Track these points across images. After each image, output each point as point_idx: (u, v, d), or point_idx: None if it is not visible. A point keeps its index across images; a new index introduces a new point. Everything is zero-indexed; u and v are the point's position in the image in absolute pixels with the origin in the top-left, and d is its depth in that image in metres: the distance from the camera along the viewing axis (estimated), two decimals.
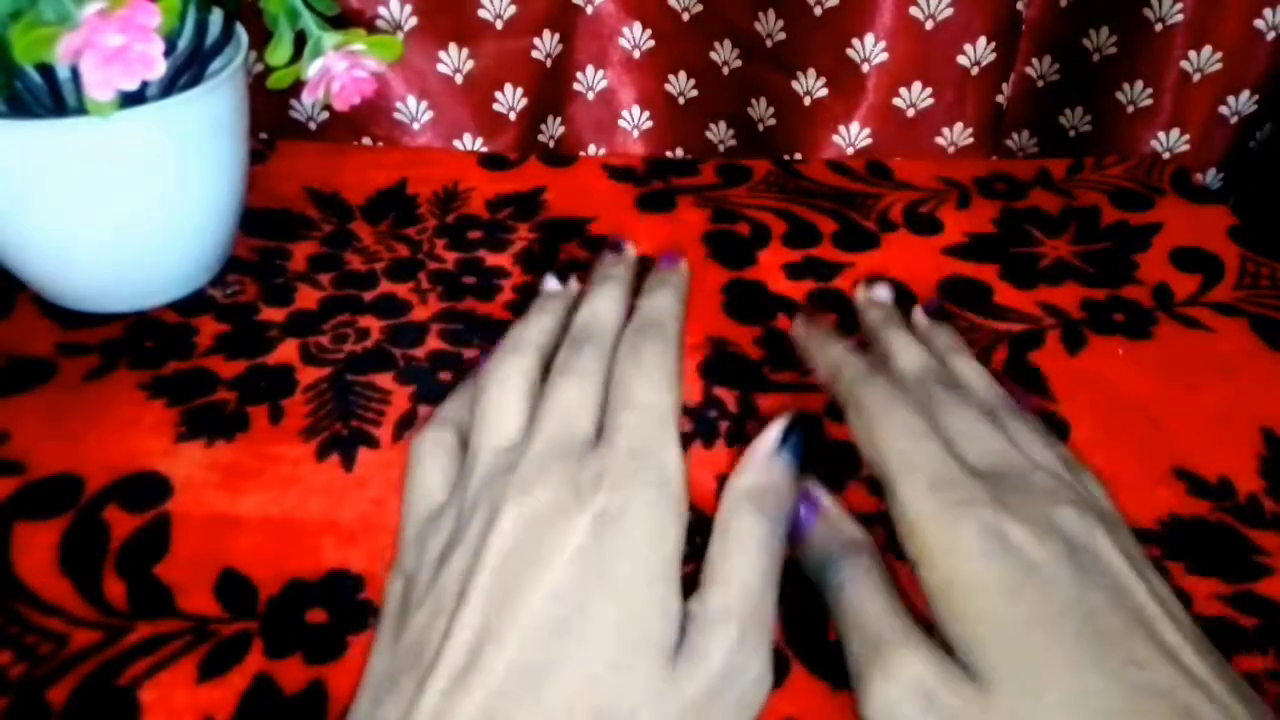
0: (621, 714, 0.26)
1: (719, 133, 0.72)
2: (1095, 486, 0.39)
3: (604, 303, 0.40)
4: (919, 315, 0.49)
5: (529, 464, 0.32)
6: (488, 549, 0.29)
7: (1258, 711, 0.29)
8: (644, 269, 0.45)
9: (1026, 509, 0.33)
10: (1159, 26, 0.66)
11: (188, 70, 0.48)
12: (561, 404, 0.34)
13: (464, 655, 0.27)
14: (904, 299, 0.56)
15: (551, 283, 0.44)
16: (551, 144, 0.72)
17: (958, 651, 0.31)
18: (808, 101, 0.68)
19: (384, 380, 0.49)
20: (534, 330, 0.39)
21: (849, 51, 0.66)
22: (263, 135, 0.67)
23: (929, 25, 0.65)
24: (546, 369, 0.37)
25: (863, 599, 0.34)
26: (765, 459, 0.35)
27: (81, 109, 0.41)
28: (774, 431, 0.36)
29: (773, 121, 0.70)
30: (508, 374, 0.36)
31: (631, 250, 0.44)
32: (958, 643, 0.31)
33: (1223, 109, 0.68)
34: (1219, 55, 0.66)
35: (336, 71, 0.44)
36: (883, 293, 0.50)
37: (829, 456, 0.46)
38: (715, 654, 0.28)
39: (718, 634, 0.28)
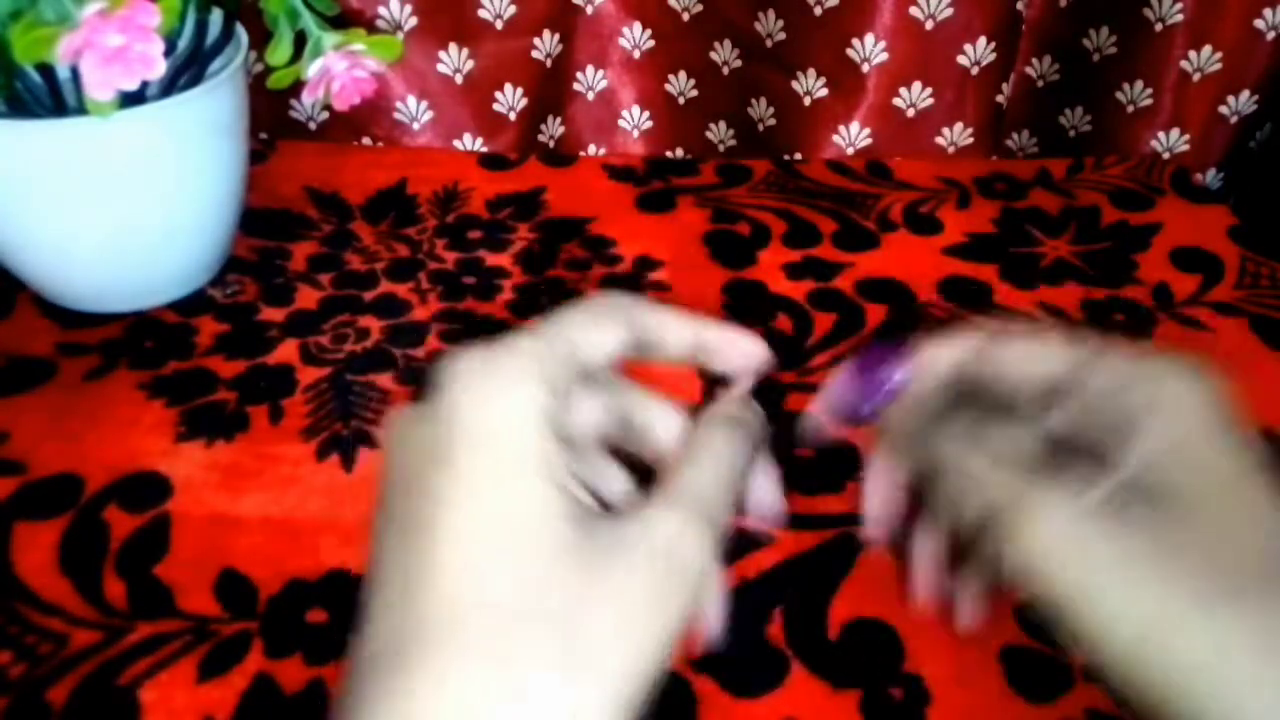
0: (521, 611, 0.23)
1: (719, 133, 0.72)
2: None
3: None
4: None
5: None
6: (384, 476, 0.27)
7: None
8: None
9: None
10: (1159, 26, 0.66)
11: (188, 70, 0.48)
12: None
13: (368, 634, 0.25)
14: (904, 299, 0.56)
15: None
16: (551, 144, 0.72)
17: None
18: (808, 101, 0.68)
19: (384, 380, 0.49)
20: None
21: (849, 51, 0.66)
22: (263, 135, 0.67)
23: (929, 25, 0.65)
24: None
25: (982, 457, 0.31)
26: (744, 401, 0.32)
27: (81, 109, 0.41)
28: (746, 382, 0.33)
29: (773, 121, 0.70)
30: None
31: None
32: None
33: (1223, 109, 0.68)
34: (1219, 55, 0.66)
35: (336, 71, 0.44)
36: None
37: (830, 455, 0.46)
38: (638, 543, 0.25)
39: (648, 522, 0.25)
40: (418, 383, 0.49)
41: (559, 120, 0.71)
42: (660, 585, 0.24)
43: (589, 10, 0.68)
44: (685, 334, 0.30)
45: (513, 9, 0.65)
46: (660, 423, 0.31)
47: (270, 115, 0.67)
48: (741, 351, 0.31)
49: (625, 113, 0.72)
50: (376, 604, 0.24)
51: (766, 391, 0.50)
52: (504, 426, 0.25)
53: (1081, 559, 0.28)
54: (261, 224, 0.59)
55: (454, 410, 0.25)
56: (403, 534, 0.25)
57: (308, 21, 0.44)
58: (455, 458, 0.24)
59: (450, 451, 0.25)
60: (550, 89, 0.69)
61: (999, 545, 0.29)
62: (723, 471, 0.28)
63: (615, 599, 0.23)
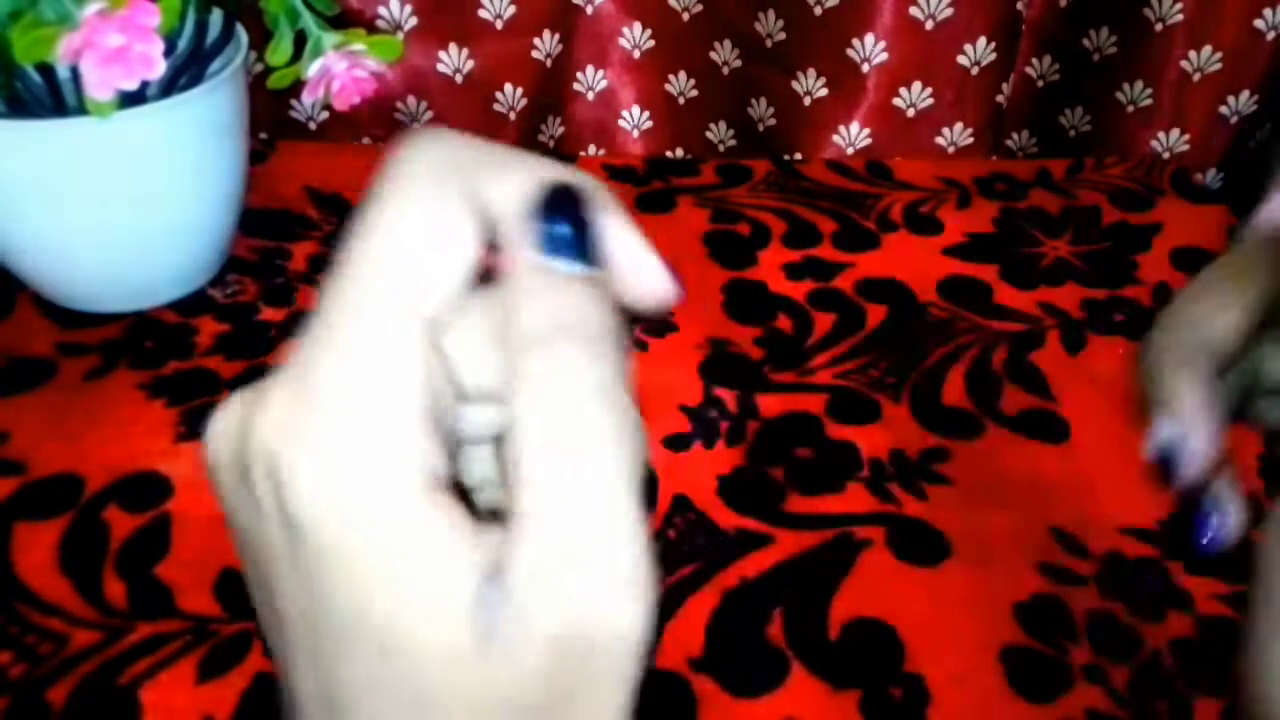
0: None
1: (719, 133, 0.72)
2: None
3: None
4: None
5: None
6: None
7: None
8: None
9: None
10: (1159, 26, 0.66)
11: (188, 70, 0.48)
12: None
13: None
14: (904, 299, 0.56)
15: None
16: (551, 144, 0.72)
17: None
18: (808, 101, 0.68)
19: None
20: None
21: (849, 51, 0.66)
22: (263, 135, 0.67)
23: (929, 25, 0.65)
24: None
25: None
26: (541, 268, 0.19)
27: (81, 109, 0.41)
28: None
29: (773, 121, 0.70)
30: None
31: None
32: None
33: (1223, 109, 0.68)
34: (1219, 55, 0.66)
35: (336, 71, 0.44)
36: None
37: (829, 457, 0.46)
38: (537, 621, 0.17)
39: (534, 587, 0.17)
40: None
41: (559, 120, 0.71)
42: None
43: (589, 10, 0.68)
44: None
45: (513, 9, 0.65)
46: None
47: (270, 115, 0.67)
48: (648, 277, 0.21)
49: (625, 113, 0.72)
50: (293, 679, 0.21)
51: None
52: (378, 504, 0.18)
53: None
54: (261, 224, 0.59)
55: (306, 516, 0.18)
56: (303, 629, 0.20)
57: (308, 21, 0.44)
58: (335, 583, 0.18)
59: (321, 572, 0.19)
60: (550, 89, 0.69)
61: None
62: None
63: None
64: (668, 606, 0.39)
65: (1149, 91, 0.68)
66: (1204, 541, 0.29)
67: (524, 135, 0.69)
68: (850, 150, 0.69)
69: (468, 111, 0.68)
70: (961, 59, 0.66)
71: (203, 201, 0.51)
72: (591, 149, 0.72)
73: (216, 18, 0.50)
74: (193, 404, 0.47)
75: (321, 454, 0.18)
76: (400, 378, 0.18)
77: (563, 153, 0.71)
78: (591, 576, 0.17)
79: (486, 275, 0.21)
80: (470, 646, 0.18)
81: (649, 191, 0.64)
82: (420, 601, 0.18)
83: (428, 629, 0.18)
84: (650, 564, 0.18)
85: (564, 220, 0.20)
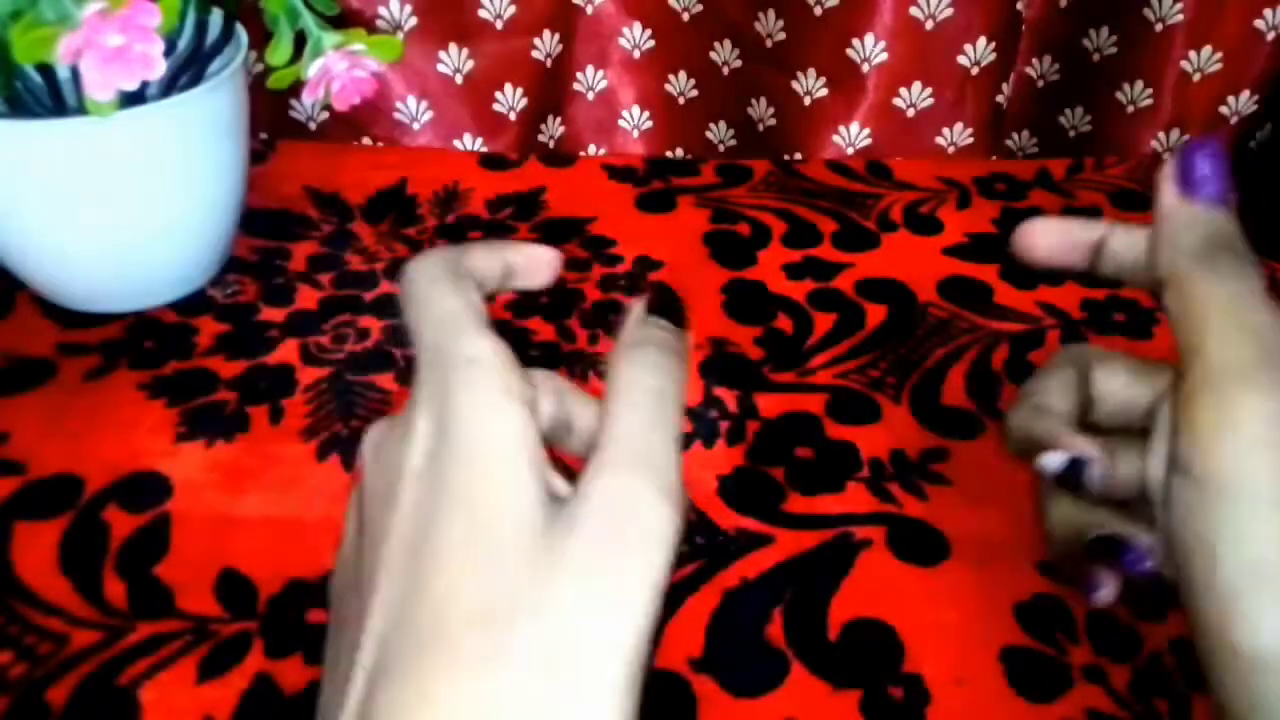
0: (500, 614, 0.24)
1: (719, 133, 0.72)
2: None
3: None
4: None
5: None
6: (363, 488, 0.28)
7: None
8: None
9: None
10: (1159, 26, 0.66)
11: (188, 70, 0.48)
12: None
13: (354, 609, 0.26)
14: (904, 299, 0.56)
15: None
16: (551, 144, 0.72)
17: None
18: (808, 101, 0.68)
19: (384, 380, 0.49)
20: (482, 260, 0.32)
21: (849, 51, 0.66)
22: (263, 135, 0.67)
23: (929, 25, 0.65)
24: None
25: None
26: (637, 322, 0.29)
27: (81, 109, 0.41)
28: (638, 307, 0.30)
29: (773, 121, 0.70)
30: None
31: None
32: None
33: (1223, 109, 0.68)
34: (1219, 55, 0.66)
35: (336, 71, 0.44)
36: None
37: (829, 457, 0.46)
38: (589, 514, 0.24)
39: (592, 491, 0.25)
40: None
41: (559, 120, 0.71)
42: (616, 553, 0.24)
43: (589, 10, 0.68)
44: (494, 264, 0.30)
45: (513, 9, 0.65)
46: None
47: (270, 115, 0.67)
48: (545, 262, 0.31)
49: (625, 113, 0.72)
50: (369, 619, 0.25)
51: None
52: (498, 444, 0.25)
53: None
54: (261, 224, 0.59)
55: (445, 428, 0.26)
56: (392, 550, 0.25)
57: (308, 21, 0.44)
58: (448, 478, 0.25)
59: (441, 471, 0.25)
60: (550, 89, 0.69)
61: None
62: (652, 408, 0.27)
63: (580, 580, 0.24)
64: (668, 606, 0.39)
65: (1149, 91, 0.68)
66: (1135, 568, 0.31)
67: (524, 135, 0.70)
68: (850, 150, 0.69)
69: (468, 111, 0.68)
70: (961, 59, 0.66)
71: (203, 201, 0.51)
72: (591, 149, 0.72)
73: (216, 18, 0.50)
74: (193, 404, 0.47)
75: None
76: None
77: (563, 153, 0.71)
78: (643, 480, 0.25)
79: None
80: (539, 518, 0.24)
81: (649, 191, 0.65)
82: (508, 485, 0.25)
83: (508, 504, 0.25)
84: (681, 478, 0.25)
85: None
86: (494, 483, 0.25)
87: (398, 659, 0.24)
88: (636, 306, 0.29)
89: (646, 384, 0.27)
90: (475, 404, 0.26)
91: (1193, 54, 0.67)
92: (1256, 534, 0.26)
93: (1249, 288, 0.30)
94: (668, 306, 0.30)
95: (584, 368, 0.51)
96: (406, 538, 0.25)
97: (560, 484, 0.26)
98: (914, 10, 0.64)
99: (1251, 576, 0.27)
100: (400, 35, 0.65)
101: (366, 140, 0.69)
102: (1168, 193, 0.32)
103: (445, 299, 0.28)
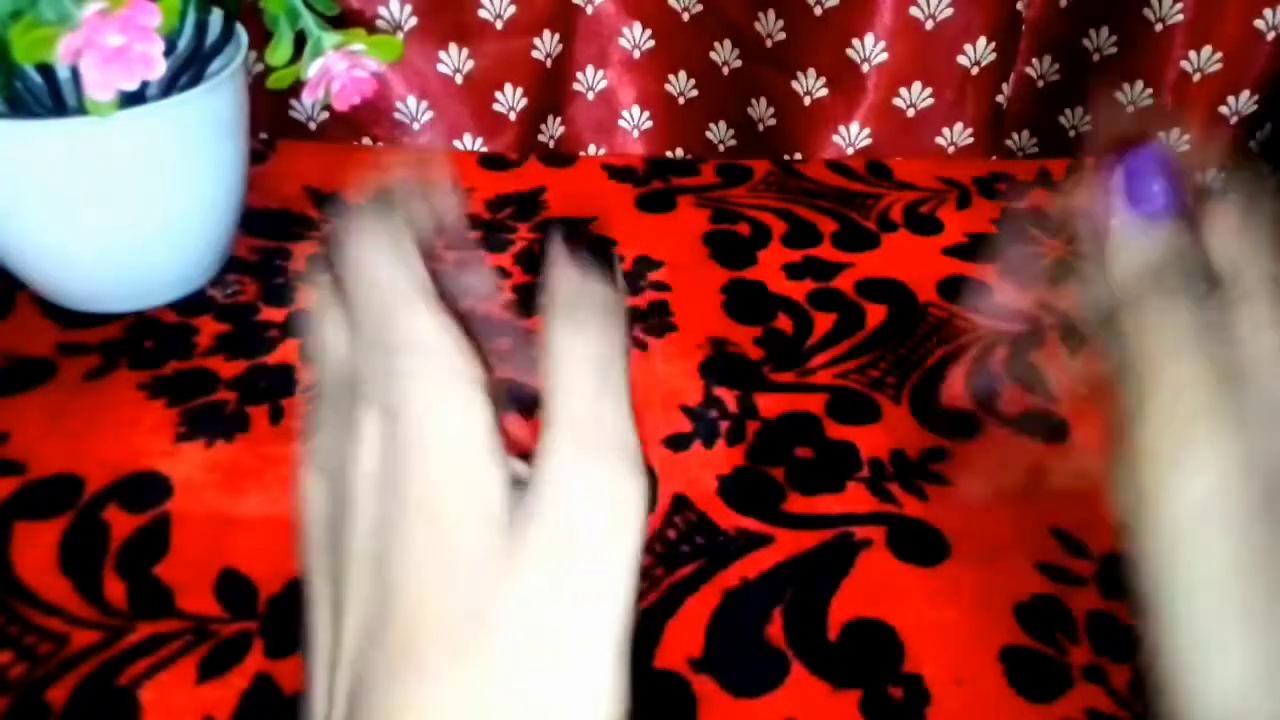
0: (474, 619, 0.23)
1: (719, 133, 0.72)
2: None
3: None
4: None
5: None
6: (314, 488, 0.28)
7: None
8: None
9: None
10: (1159, 26, 0.66)
11: (188, 70, 0.48)
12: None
13: (328, 628, 0.25)
14: (904, 299, 0.56)
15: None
16: (551, 144, 0.72)
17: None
18: (808, 101, 0.68)
19: None
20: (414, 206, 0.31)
21: (849, 51, 0.66)
22: (263, 135, 0.67)
23: (929, 25, 0.65)
24: None
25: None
26: (559, 267, 0.27)
27: (81, 109, 0.41)
28: (555, 243, 0.28)
29: (773, 121, 0.70)
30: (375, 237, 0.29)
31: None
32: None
33: (1223, 109, 0.68)
34: (1219, 55, 0.66)
35: (336, 71, 0.44)
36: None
37: (829, 457, 0.46)
38: (547, 505, 0.23)
39: (549, 477, 0.24)
40: None
41: (559, 120, 0.71)
42: (584, 540, 0.23)
43: (589, 10, 0.68)
44: (423, 207, 0.29)
45: (513, 9, 0.65)
46: None
47: (270, 115, 0.67)
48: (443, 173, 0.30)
49: (625, 113, 0.71)
50: (342, 646, 0.25)
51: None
52: (450, 439, 0.24)
53: None
54: (261, 224, 0.59)
55: (394, 424, 0.24)
56: (357, 566, 0.25)
57: (308, 21, 0.44)
58: (402, 484, 0.24)
59: (395, 476, 0.24)
60: (550, 89, 0.69)
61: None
62: (593, 374, 0.25)
63: (552, 574, 0.23)
64: (668, 606, 0.39)
65: (1149, 91, 0.68)
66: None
67: (524, 135, 0.69)
68: (850, 150, 0.69)
69: (468, 111, 0.68)
70: (961, 59, 0.66)
71: (203, 201, 0.51)
72: (591, 149, 0.72)
73: (216, 18, 0.50)
74: (193, 404, 0.47)
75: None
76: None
77: (563, 153, 0.71)
78: (598, 454, 0.24)
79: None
80: (503, 515, 0.23)
81: (649, 191, 0.65)
82: (467, 481, 0.24)
83: (469, 502, 0.24)
84: (636, 438, 0.24)
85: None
86: (451, 484, 0.24)
87: (376, 675, 0.23)
88: (556, 245, 0.27)
89: (584, 351, 0.25)
90: (423, 395, 0.24)
91: (1193, 54, 0.66)
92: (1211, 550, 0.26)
93: (1194, 316, 0.28)
94: (595, 250, 0.27)
95: None
96: (369, 551, 0.24)
97: (520, 467, 0.25)
98: (914, 10, 0.64)
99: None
100: (400, 35, 0.65)
101: (366, 140, 0.69)
102: (1110, 210, 0.30)
103: (382, 270, 0.26)
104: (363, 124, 0.68)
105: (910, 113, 0.68)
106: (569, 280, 0.27)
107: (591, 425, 0.24)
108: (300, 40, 0.44)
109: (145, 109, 0.44)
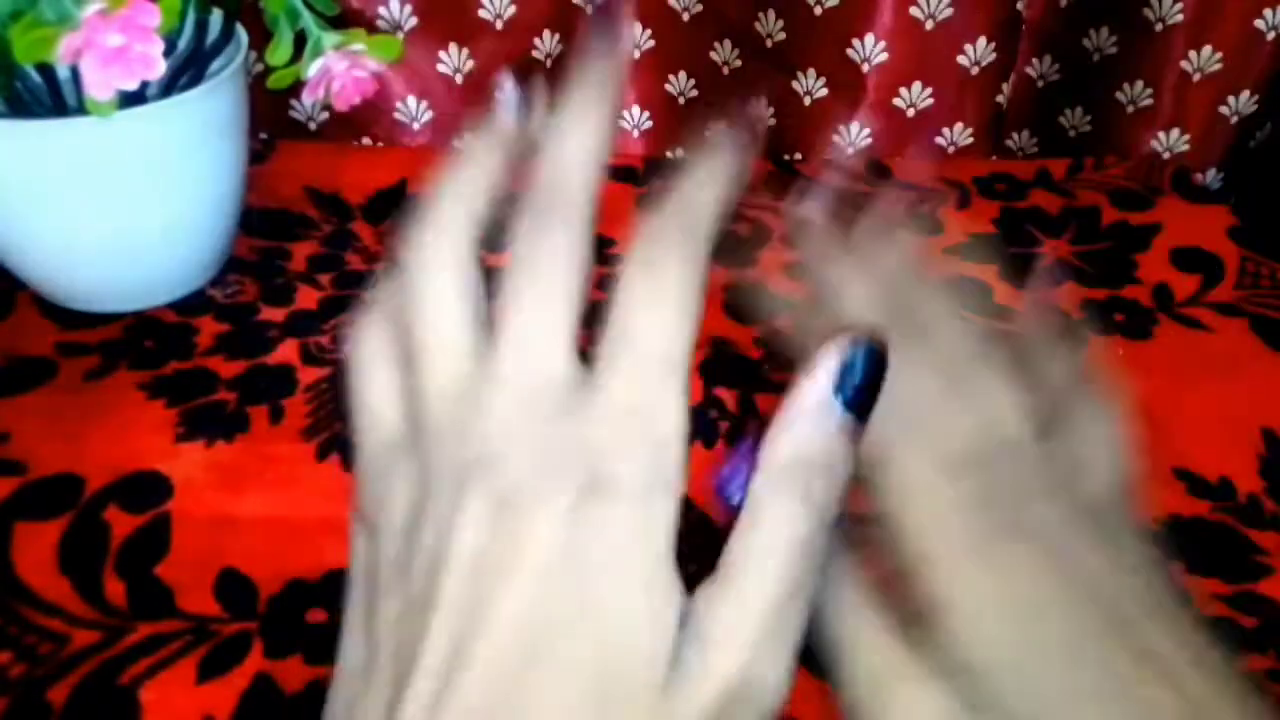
0: None
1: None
2: (1091, 422, 0.34)
3: (580, 142, 0.28)
4: (864, 227, 0.38)
5: (493, 428, 0.25)
6: (455, 542, 0.24)
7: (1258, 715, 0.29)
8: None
9: (1004, 514, 0.32)
10: (1159, 26, 0.66)
11: (188, 70, 0.48)
12: (526, 330, 0.26)
13: (434, 680, 0.24)
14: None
15: (509, 90, 0.29)
16: None
17: (961, 673, 0.30)
18: (808, 101, 0.68)
19: None
20: (467, 187, 0.28)
21: (849, 51, 0.66)
22: (263, 135, 0.67)
23: (929, 25, 0.65)
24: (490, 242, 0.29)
25: (850, 617, 0.29)
26: (815, 415, 0.25)
27: (81, 109, 0.41)
28: (824, 376, 0.25)
29: (773, 121, 0.70)
30: (433, 273, 0.27)
31: (630, 32, 0.33)
32: (962, 665, 0.30)
33: (1223, 109, 0.68)
34: (1219, 55, 0.66)
35: (336, 71, 0.44)
36: (812, 211, 0.38)
37: None
38: (715, 677, 0.23)
39: (721, 656, 0.24)
40: None
41: None
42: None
43: (589, 10, 0.68)
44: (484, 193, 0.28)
45: (513, 9, 0.65)
46: None
47: (270, 115, 0.67)
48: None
49: (625, 113, 0.71)
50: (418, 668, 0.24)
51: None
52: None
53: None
54: (261, 224, 0.59)
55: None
56: (474, 684, 0.23)
57: (308, 21, 0.44)
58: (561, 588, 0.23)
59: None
60: (550, 89, 0.69)
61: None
62: (796, 570, 0.25)
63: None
64: None
65: (1149, 91, 0.68)
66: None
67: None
68: (850, 150, 0.69)
69: (468, 111, 0.68)
70: (961, 59, 0.66)
71: (203, 201, 0.51)
72: None
73: (216, 18, 0.50)
74: (193, 404, 0.47)
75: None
76: None
77: None
78: (761, 638, 0.24)
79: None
80: (661, 678, 0.23)
81: (649, 192, 0.64)
82: (632, 635, 0.23)
83: (632, 658, 0.23)
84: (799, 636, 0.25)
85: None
86: (639, 601, 0.24)
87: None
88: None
89: (795, 530, 0.26)
90: (645, 500, 0.24)
91: (1193, 54, 0.66)
92: None
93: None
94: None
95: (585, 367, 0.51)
96: (520, 636, 0.23)
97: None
98: (914, 10, 0.64)
99: None
100: (400, 35, 0.65)
101: (366, 140, 0.69)
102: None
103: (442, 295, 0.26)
104: (363, 124, 0.68)
105: (910, 113, 0.68)
106: (813, 429, 0.26)
107: (776, 626, 0.25)
108: (300, 40, 0.44)
109: (145, 109, 0.44)
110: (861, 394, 0.26)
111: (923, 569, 0.29)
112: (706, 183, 0.28)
